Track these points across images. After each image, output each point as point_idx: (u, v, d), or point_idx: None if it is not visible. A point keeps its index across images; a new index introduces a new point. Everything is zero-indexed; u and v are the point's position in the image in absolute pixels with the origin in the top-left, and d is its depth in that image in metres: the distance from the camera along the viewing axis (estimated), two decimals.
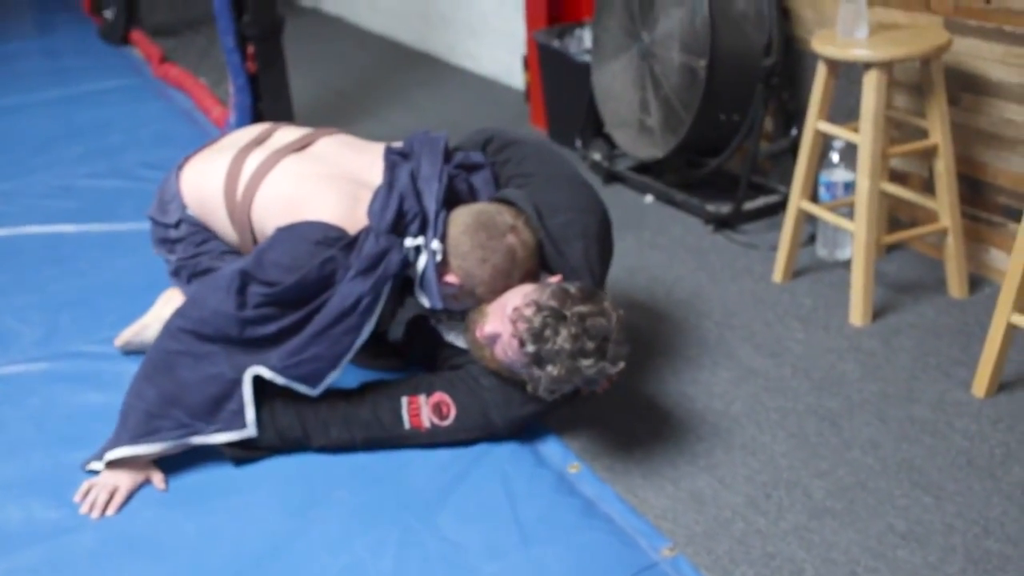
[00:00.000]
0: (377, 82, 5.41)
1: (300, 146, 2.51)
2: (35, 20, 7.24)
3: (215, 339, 2.24)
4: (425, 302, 2.31)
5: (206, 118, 4.72)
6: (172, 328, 2.28)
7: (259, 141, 2.55)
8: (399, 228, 2.27)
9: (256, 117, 4.17)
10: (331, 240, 2.26)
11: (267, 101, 4.24)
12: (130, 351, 2.76)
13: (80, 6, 7.19)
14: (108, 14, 6.25)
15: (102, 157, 4.28)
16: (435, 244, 2.27)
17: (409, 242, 2.27)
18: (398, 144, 2.46)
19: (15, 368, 2.74)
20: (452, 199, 2.37)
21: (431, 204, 2.31)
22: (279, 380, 2.23)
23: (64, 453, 2.39)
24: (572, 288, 2.14)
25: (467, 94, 5.08)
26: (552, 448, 2.34)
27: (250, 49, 4.15)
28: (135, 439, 2.23)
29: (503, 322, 2.16)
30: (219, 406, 2.25)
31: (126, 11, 6.15)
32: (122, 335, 2.75)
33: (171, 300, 2.73)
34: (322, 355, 2.23)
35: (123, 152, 4.33)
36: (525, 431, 2.36)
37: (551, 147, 2.63)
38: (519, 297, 2.17)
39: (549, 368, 2.08)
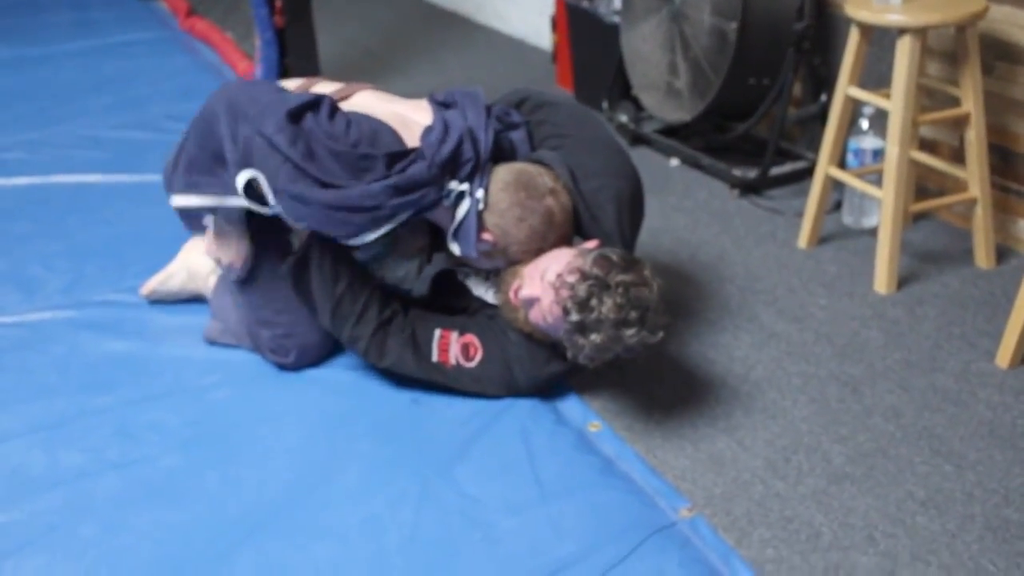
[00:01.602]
0: (404, 40, 5.39)
1: (340, 97, 2.51)
2: None
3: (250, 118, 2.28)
4: (457, 250, 2.30)
5: (232, 72, 4.72)
6: (220, 94, 2.38)
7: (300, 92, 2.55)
8: (451, 167, 2.26)
9: (283, 72, 4.17)
10: (379, 137, 2.25)
11: (294, 56, 4.23)
12: (155, 300, 2.78)
13: None
14: None
15: (128, 108, 4.30)
16: (480, 193, 2.26)
17: (455, 185, 2.26)
18: (438, 95, 2.45)
19: (41, 315, 2.76)
20: (495, 154, 2.35)
21: (481, 154, 2.30)
22: (269, 195, 2.24)
23: (87, 399, 2.41)
24: (614, 256, 2.14)
25: (494, 54, 5.06)
26: (572, 406, 2.35)
27: (278, 3, 4.14)
28: (182, 190, 2.41)
29: (543, 288, 2.16)
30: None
31: None
32: (148, 284, 2.77)
33: (194, 249, 2.75)
34: (314, 216, 2.21)
35: (149, 104, 4.35)
36: (545, 390, 2.37)
37: (585, 110, 2.61)
38: (560, 263, 2.16)
39: (593, 336, 2.08)
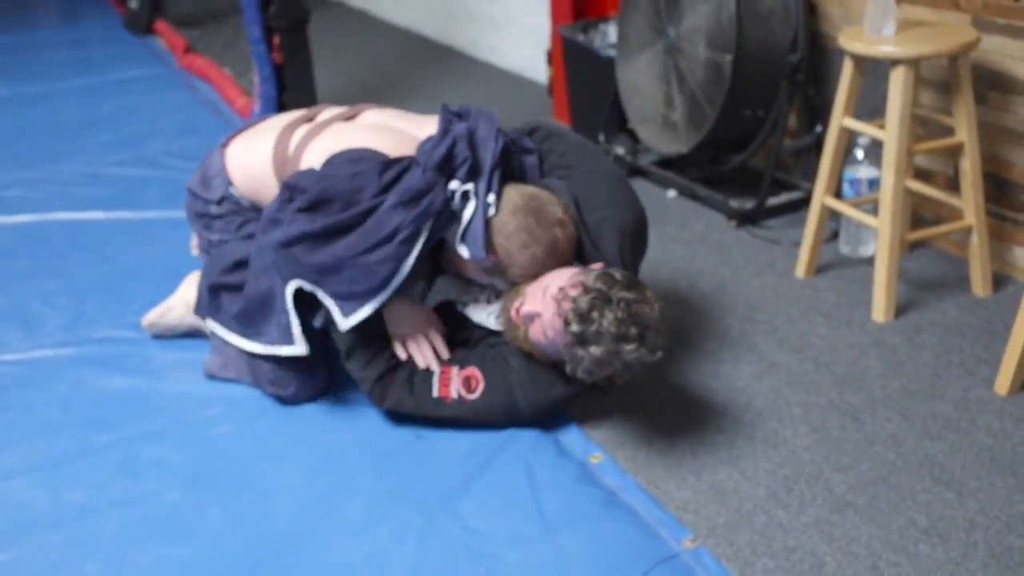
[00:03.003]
0: (400, 75, 5.43)
1: (347, 116, 2.54)
2: (61, 10, 7.31)
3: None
4: (465, 253, 2.29)
5: (230, 108, 4.75)
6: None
7: (306, 119, 2.61)
8: (447, 169, 2.28)
9: (280, 108, 4.20)
10: (366, 157, 2.29)
11: (292, 92, 4.26)
12: (155, 333, 2.80)
13: None
14: (133, 4, 6.29)
15: (127, 145, 4.32)
16: (491, 198, 2.28)
17: (455, 185, 2.27)
18: (453, 107, 2.48)
19: (42, 352, 2.77)
20: (505, 169, 2.37)
21: (487, 157, 2.32)
22: (318, 293, 2.26)
23: (89, 436, 2.42)
24: (617, 274, 2.17)
25: (490, 88, 5.09)
26: (574, 438, 2.35)
27: (276, 40, 4.18)
28: (240, 334, 2.46)
29: (544, 303, 2.18)
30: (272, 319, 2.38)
31: (151, 1, 6.19)
32: (148, 315, 2.80)
33: (195, 282, 2.76)
34: (357, 279, 2.23)
35: (148, 140, 4.37)
36: (547, 420, 2.38)
37: (592, 144, 2.64)
38: (562, 279, 2.19)
39: (592, 349, 2.09)
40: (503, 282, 2.36)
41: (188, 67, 5.44)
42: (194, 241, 2.88)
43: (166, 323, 2.77)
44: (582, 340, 2.11)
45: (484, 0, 5.48)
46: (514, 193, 2.32)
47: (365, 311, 2.26)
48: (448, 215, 2.28)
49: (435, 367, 2.35)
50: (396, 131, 2.46)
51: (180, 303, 2.77)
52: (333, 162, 2.34)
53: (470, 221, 2.28)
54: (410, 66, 5.58)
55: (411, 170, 2.27)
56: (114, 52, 5.92)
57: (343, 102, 4.90)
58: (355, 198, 2.26)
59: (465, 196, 2.28)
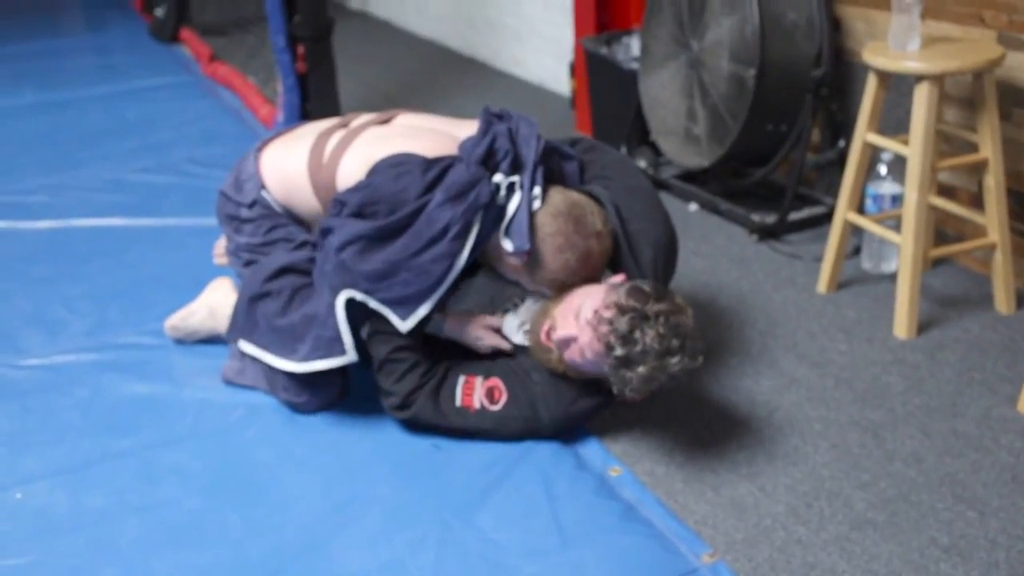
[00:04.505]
0: (423, 86, 5.44)
1: (382, 120, 2.54)
2: (86, 17, 7.37)
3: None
4: (509, 246, 2.28)
5: (254, 117, 4.77)
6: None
7: (341, 125, 2.61)
8: (489, 163, 2.29)
9: (304, 117, 4.22)
10: (408, 160, 2.30)
11: (315, 101, 4.28)
12: (177, 338, 2.81)
13: (131, 4, 7.29)
14: (159, 12, 6.34)
15: (151, 153, 4.34)
16: (536, 190, 2.29)
17: (499, 178, 2.28)
18: (494, 108, 2.49)
19: (64, 357, 2.79)
20: (547, 171, 2.38)
21: (529, 154, 2.32)
22: (371, 303, 2.26)
23: (110, 442, 2.43)
24: (646, 287, 2.17)
25: (513, 100, 5.10)
26: (593, 451, 2.35)
27: (300, 50, 4.20)
28: (278, 353, 2.43)
29: (580, 326, 2.17)
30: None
31: (176, 10, 6.23)
32: (170, 319, 2.82)
33: (219, 288, 2.79)
34: (411, 281, 2.23)
35: (171, 148, 4.39)
36: (567, 433, 2.37)
37: (632, 162, 2.67)
38: (595, 300, 2.18)
39: (640, 369, 2.09)
40: (530, 283, 2.35)
41: (212, 75, 5.47)
42: (217, 249, 2.89)
43: (187, 327, 2.79)
44: (627, 362, 2.10)
45: (507, 12, 5.49)
46: (558, 196, 2.32)
47: (422, 311, 2.26)
48: (497, 211, 2.28)
49: (506, 345, 2.39)
50: (435, 132, 2.47)
51: (202, 307, 2.78)
52: (377, 170, 2.35)
53: (515, 213, 2.28)
54: (432, 77, 5.60)
55: (455, 166, 2.28)
56: (139, 60, 5.96)
57: (367, 111, 4.94)
58: (401, 198, 2.26)
59: (511, 188, 2.29)
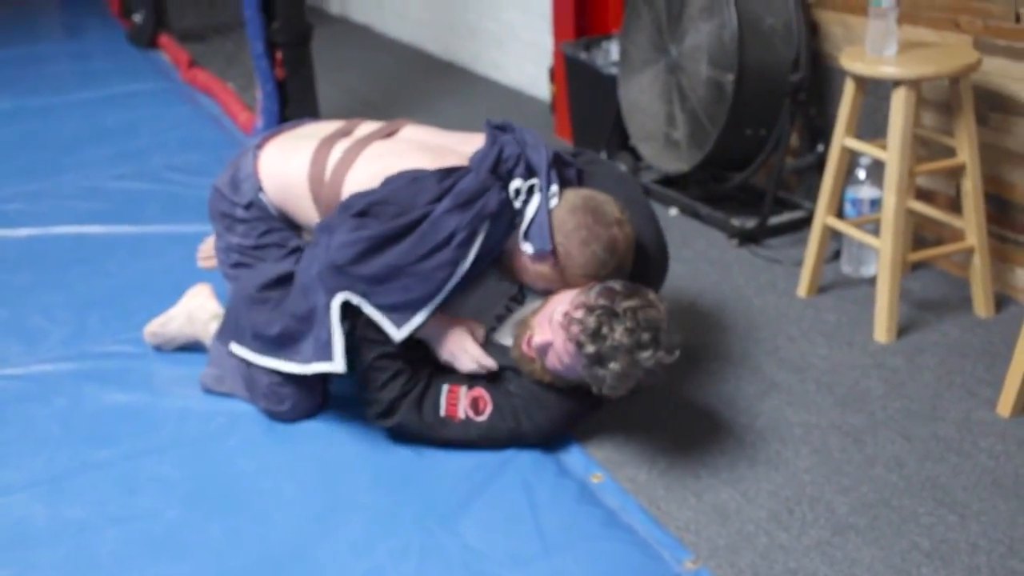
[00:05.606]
0: (403, 90, 5.44)
1: (386, 133, 2.53)
2: (64, 23, 7.33)
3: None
4: (529, 249, 2.27)
5: (233, 123, 4.75)
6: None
7: (344, 132, 2.56)
8: (499, 171, 2.28)
9: (283, 122, 4.20)
10: (423, 175, 2.28)
11: (294, 107, 4.27)
12: (156, 345, 2.80)
13: (109, 9, 7.26)
14: (137, 18, 6.30)
15: (129, 159, 4.32)
16: (554, 188, 2.29)
17: (518, 183, 2.29)
18: (496, 120, 2.48)
19: (43, 367, 2.77)
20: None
21: (540, 158, 2.32)
22: (366, 307, 2.24)
23: (89, 452, 2.41)
24: (616, 285, 2.17)
25: (492, 104, 5.10)
26: (575, 458, 2.35)
27: (279, 55, 4.19)
28: (274, 355, 2.41)
29: (553, 330, 2.18)
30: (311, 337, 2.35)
31: (154, 15, 6.21)
32: (149, 326, 2.81)
33: (197, 295, 2.78)
34: (411, 287, 2.22)
35: (150, 155, 4.37)
36: (554, 439, 2.37)
37: (632, 177, 2.69)
38: (564, 304, 2.19)
39: (612, 365, 2.09)
40: (559, 286, 2.32)
41: (191, 81, 5.44)
42: (202, 252, 2.86)
43: (166, 334, 2.77)
44: (599, 359, 2.10)
45: (487, 17, 5.49)
46: (571, 194, 2.32)
47: (417, 319, 2.25)
48: (507, 222, 2.28)
49: (491, 363, 2.34)
50: (442, 148, 2.44)
51: (181, 314, 2.77)
52: (390, 180, 2.32)
53: (535, 216, 2.28)
54: (412, 81, 5.59)
55: (465, 176, 2.27)
56: (117, 66, 5.92)
57: (346, 117, 4.92)
58: (412, 202, 2.24)
59: (531, 191, 2.29)
